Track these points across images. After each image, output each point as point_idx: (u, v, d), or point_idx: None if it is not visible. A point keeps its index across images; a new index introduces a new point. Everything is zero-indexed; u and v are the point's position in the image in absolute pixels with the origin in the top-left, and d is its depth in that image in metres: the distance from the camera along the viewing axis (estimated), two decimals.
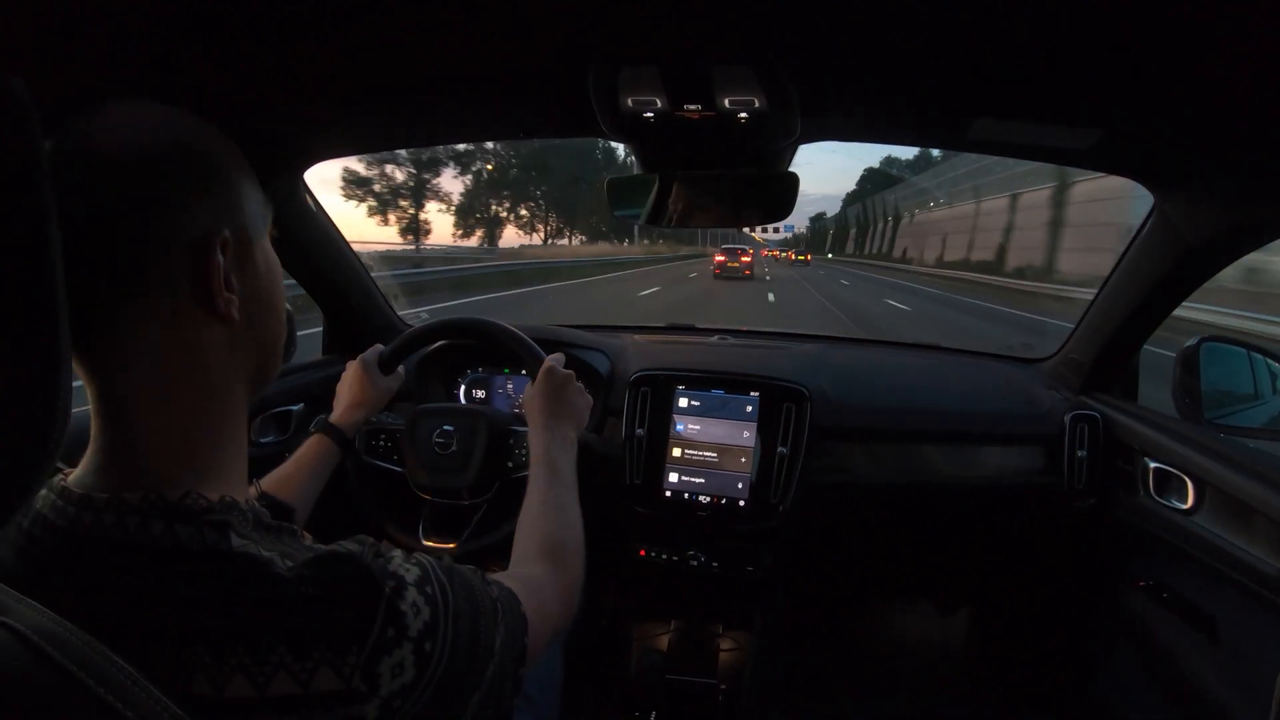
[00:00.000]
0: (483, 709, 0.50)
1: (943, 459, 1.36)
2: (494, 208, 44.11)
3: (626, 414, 1.33)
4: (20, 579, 0.40)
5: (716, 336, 1.70)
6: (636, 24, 0.68)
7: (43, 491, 0.45)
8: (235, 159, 0.49)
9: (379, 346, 1.15)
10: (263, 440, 1.27)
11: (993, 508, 1.39)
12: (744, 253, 22.92)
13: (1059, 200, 21.12)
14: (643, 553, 1.36)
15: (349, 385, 1.11)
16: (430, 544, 1.14)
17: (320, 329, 1.58)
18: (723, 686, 1.36)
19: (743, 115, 0.83)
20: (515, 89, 0.88)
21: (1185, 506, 1.08)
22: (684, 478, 1.30)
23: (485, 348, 1.43)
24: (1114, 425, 1.28)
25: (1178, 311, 1.21)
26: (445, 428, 1.14)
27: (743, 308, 12.92)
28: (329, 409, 1.10)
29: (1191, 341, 1.13)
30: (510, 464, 1.14)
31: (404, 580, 0.46)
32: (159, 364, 0.44)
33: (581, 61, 0.74)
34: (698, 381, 1.34)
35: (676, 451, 1.31)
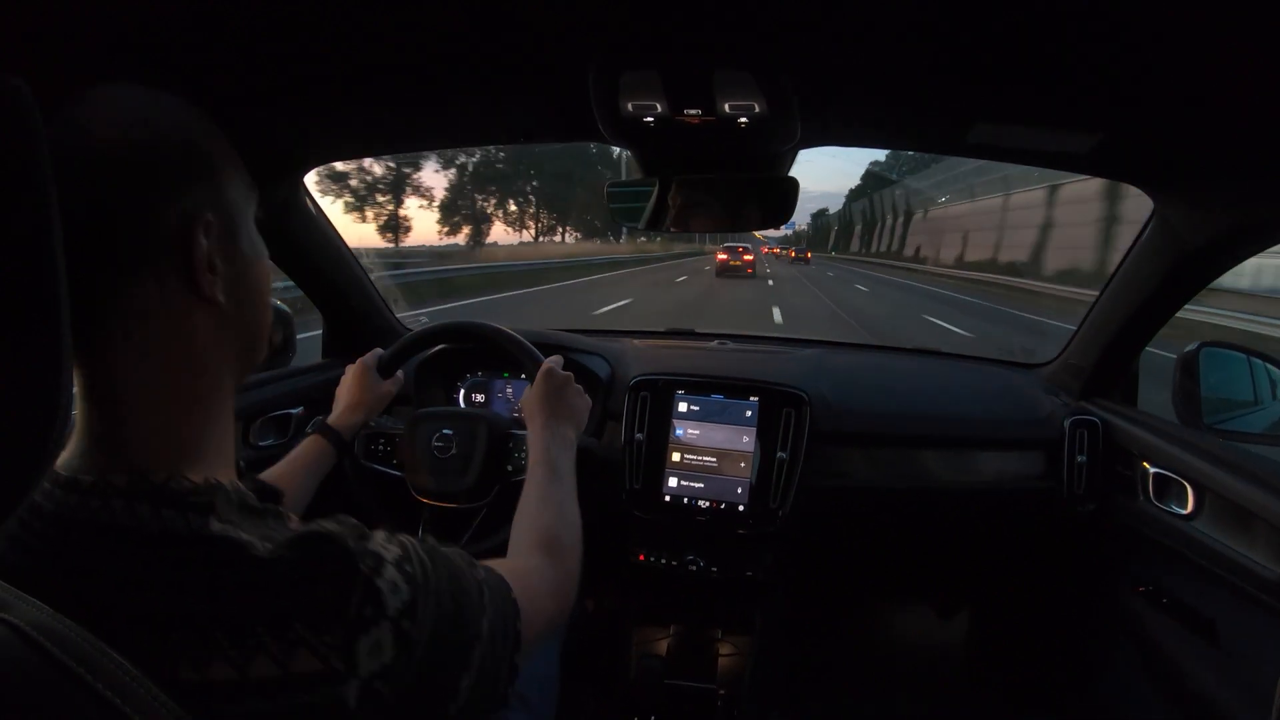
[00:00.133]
0: (476, 695, 0.50)
1: (943, 464, 1.36)
2: (479, 203, 40.84)
3: (626, 418, 1.33)
4: (11, 564, 0.40)
5: (716, 341, 1.70)
6: (637, 29, 0.68)
7: None
8: (218, 143, 0.49)
9: (378, 350, 1.15)
10: (262, 443, 1.27)
11: (993, 513, 1.39)
12: (746, 251, 22.86)
13: (1112, 194, 16.85)
14: (642, 557, 1.35)
15: (348, 388, 1.11)
16: (427, 538, 1.14)
17: (319, 333, 1.58)
18: (721, 691, 1.35)
19: (743, 120, 0.83)
20: (516, 93, 0.88)
21: (1185, 511, 1.08)
22: (683, 482, 1.30)
23: (484, 351, 1.43)
24: (1114, 430, 1.28)
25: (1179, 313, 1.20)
26: (444, 431, 1.14)
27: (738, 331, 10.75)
28: (328, 412, 1.10)
29: (1191, 347, 1.13)
30: (510, 467, 1.14)
31: (383, 559, 0.45)
32: (144, 346, 0.44)
33: (582, 66, 0.74)
34: (697, 386, 1.34)
35: (676, 456, 1.31)
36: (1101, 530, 1.32)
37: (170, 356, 0.45)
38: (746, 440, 1.29)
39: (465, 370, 1.50)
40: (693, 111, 0.82)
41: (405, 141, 1.22)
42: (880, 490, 1.35)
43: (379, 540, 0.47)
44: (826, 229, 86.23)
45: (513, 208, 43.94)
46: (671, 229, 1.11)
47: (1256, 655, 0.95)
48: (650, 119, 0.84)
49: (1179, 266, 1.09)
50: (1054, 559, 1.49)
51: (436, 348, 1.39)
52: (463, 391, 1.49)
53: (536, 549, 0.73)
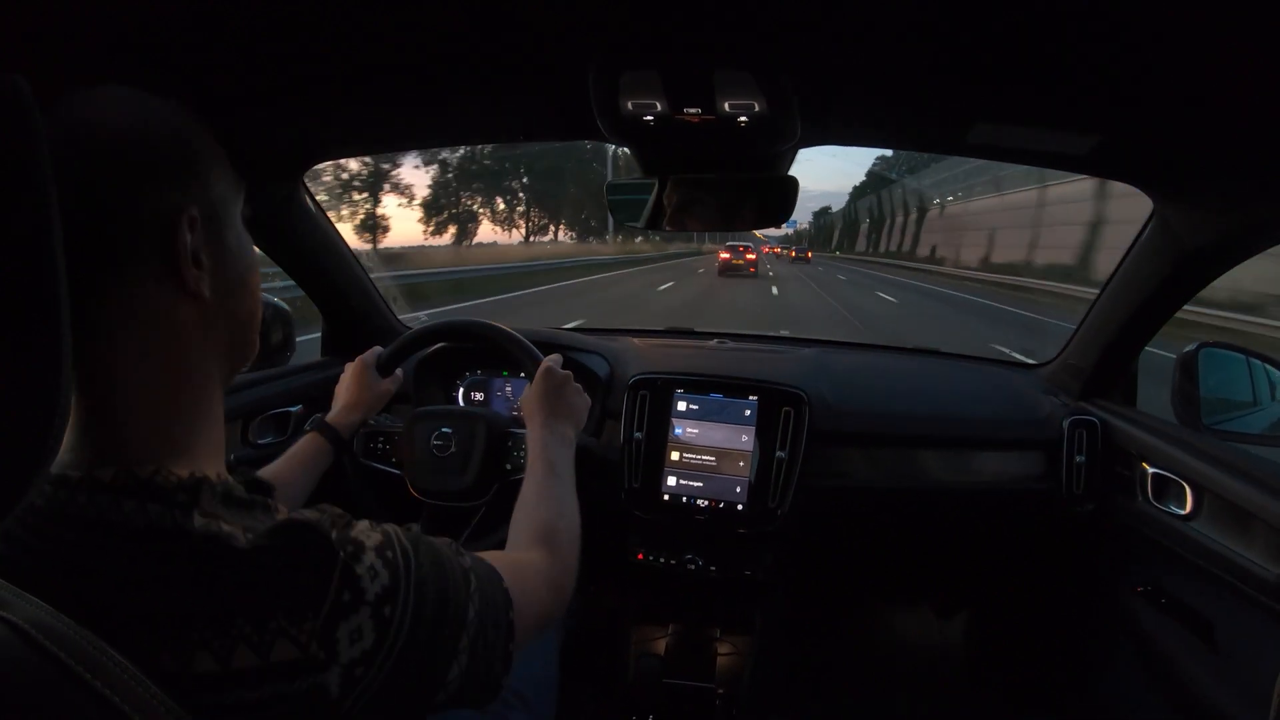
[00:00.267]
0: (467, 683, 0.50)
1: (941, 464, 1.36)
2: (464, 201, 37.48)
3: (625, 417, 1.33)
4: (6, 560, 0.40)
5: (715, 340, 1.70)
6: (637, 28, 0.68)
7: None
8: (204, 140, 0.49)
9: (377, 348, 1.15)
10: (261, 441, 1.27)
11: (991, 513, 1.39)
12: (748, 250, 22.81)
13: None
14: (641, 556, 1.35)
15: (347, 387, 1.11)
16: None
17: (319, 335, 1.58)
18: (720, 690, 1.35)
19: (743, 119, 0.83)
20: (516, 92, 0.88)
21: (1184, 512, 1.08)
22: (682, 481, 1.30)
23: (483, 350, 1.43)
24: (1113, 430, 1.28)
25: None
26: (443, 430, 1.14)
27: None
28: (327, 410, 1.10)
29: (1190, 347, 1.13)
30: (509, 466, 1.14)
31: (363, 545, 0.45)
32: (130, 341, 0.44)
33: (582, 65, 0.74)
34: (696, 385, 1.34)
35: (675, 455, 1.31)
36: (1100, 530, 1.32)
37: (157, 351, 0.45)
38: (746, 439, 1.29)
39: (464, 369, 1.50)
40: (692, 110, 0.82)
41: (405, 140, 1.22)
42: (879, 490, 1.35)
43: (361, 528, 0.47)
44: (830, 228, 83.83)
45: (500, 206, 41.47)
46: (671, 228, 1.11)
47: (1255, 655, 0.95)
48: (650, 118, 0.84)
49: (1178, 267, 1.09)
50: (1053, 559, 1.49)
51: (435, 346, 1.39)
52: (462, 390, 1.49)
53: (533, 542, 0.73)
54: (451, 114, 0.99)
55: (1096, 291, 1.32)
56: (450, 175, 35.91)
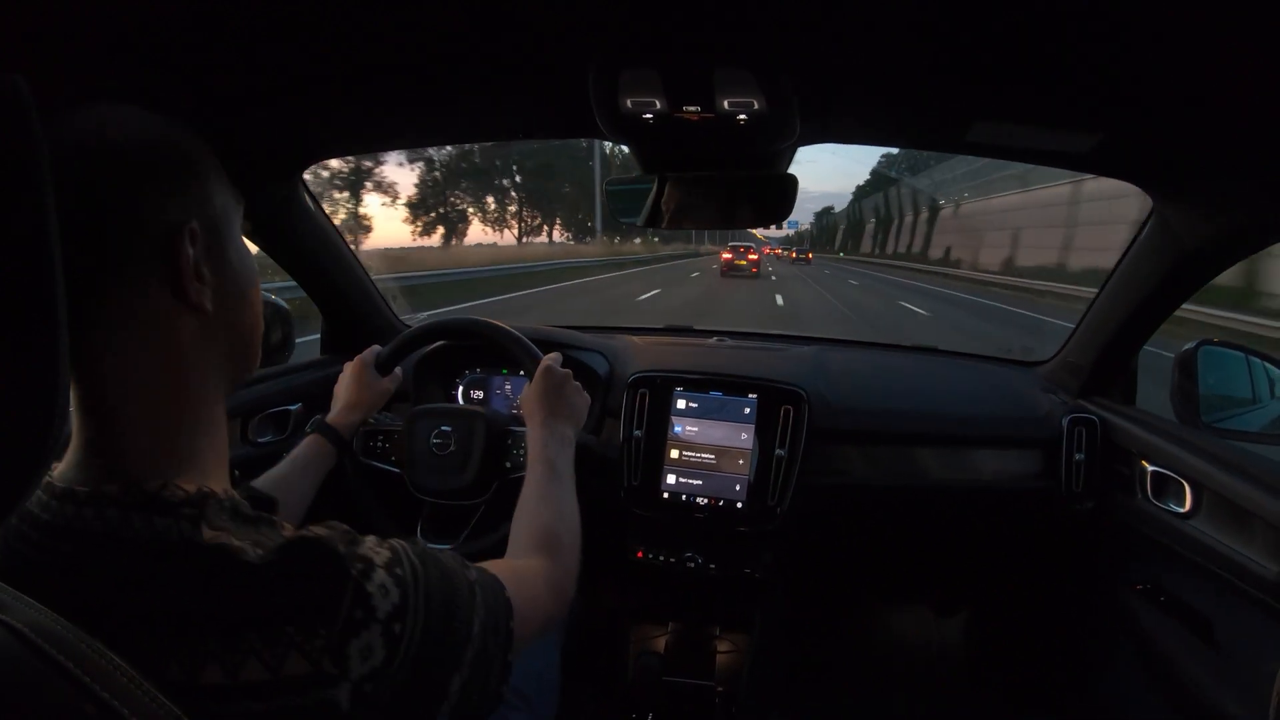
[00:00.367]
0: (467, 693, 0.50)
1: (940, 462, 1.36)
2: (451, 201, 35.54)
3: (624, 415, 1.33)
4: (8, 572, 0.40)
5: (715, 338, 1.70)
6: (637, 28, 0.68)
7: None
8: (203, 154, 0.49)
9: (376, 347, 1.15)
10: (260, 440, 1.27)
11: (991, 511, 1.40)
12: (750, 250, 22.86)
13: None
14: (640, 554, 1.35)
15: (346, 386, 1.11)
16: (428, 545, 1.14)
17: (318, 337, 1.58)
18: (720, 688, 1.36)
19: (742, 117, 0.83)
20: (515, 90, 0.88)
21: (1183, 510, 1.09)
22: (682, 479, 1.30)
23: (483, 348, 1.43)
24: (1112, 429, 1.28)
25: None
26: (443, 428, 1.14)
27: None
28: (327, 409, 1.10)
29: (1189, 345, 1.13)
30: (508, 464, 1.14)
31: (372, 563, 0.46)
32: (134, 355, 0.45)
33: (582, 63, 0.74)
34: (696, 383, 1.34)
35: (674, 453, 1.31)
36: (1099, 529, 1.32)
37: (160, 366, 0.46)
38: (745, 437, 1.29)
39: (464, 367, 1.50)
40: (692, 109, 0.82)
41: (405, 139, 1.22)
42: (878, 488, 1.36)
43: (369, 544, 0.48)
44: (833, 228, 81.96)
45: (491, 205, 39.59)
46: (670, 226, 1.11)
47: (1254, 653, 0.95)
48: (649, 116, 0.84)
49: (1178, 266, 1.09)
50: (1052, 557, 1.49)
51: (435, 345, 1.39)
52: (461, 388, 1.49)
53: (535, 547, 0.73)
54: (451, 112, 0.99)
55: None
56: (437, 173, 34.38)
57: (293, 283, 1.41)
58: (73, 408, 0.45)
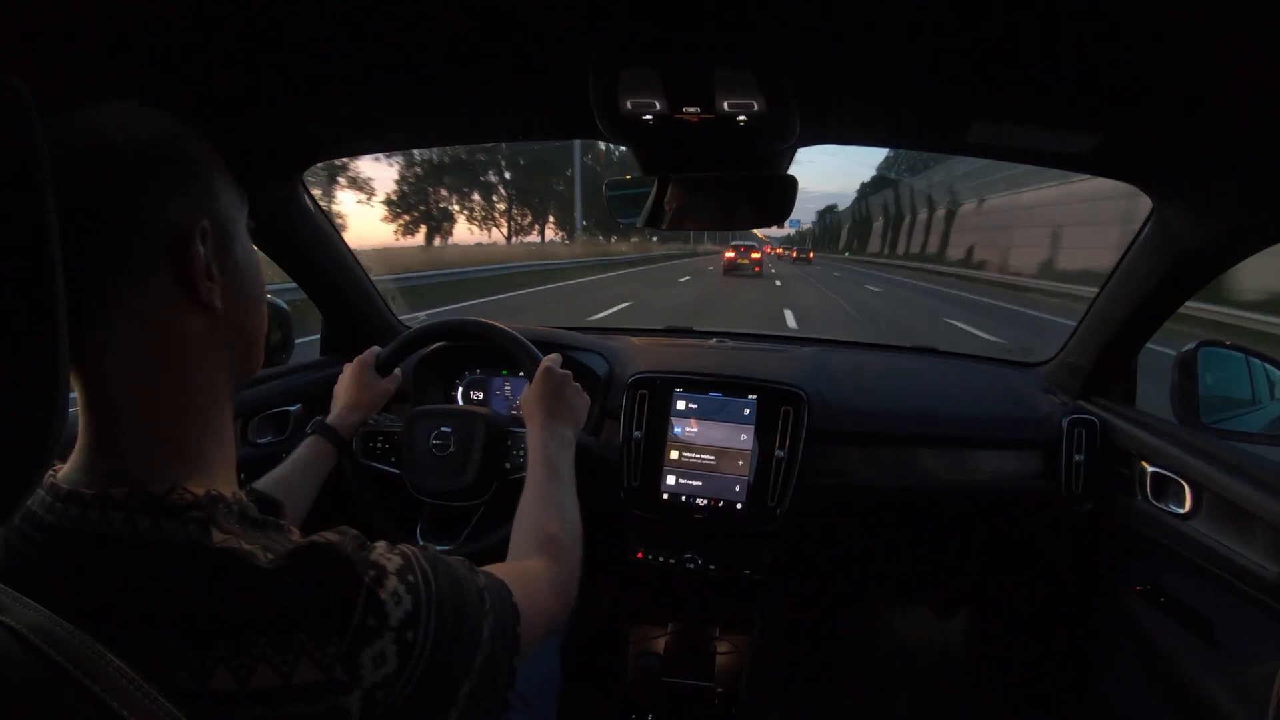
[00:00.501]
0: (475, 699, 0.50)
1: (940, 463, 1.36)
2: (432, 197, 32.46)
3: (624, 416, 1.33)
4: (10, 574, 0.40)
5: (715, 339, 1.70)
6: (637, 28, 0.68)
7: None
8: (208, 153, 0.49)
9: (376, 348, 1.15)
10: (260, 440, 1.27)
11: (990, 512, 1.39)
12: (753, 250, 22.97)
13: None
14: (640, 555, 1.35)
15: (346, 387, 1.11)
16: (428, 546, 1.14)
17: (317, 337, 1.58)
18: (719, 689, 1.36)
19: (742, 118, 0.83)
20: (515, 90, 0.88)
21: (1183, 511, 1.09)
22: (681, 480, 1.30)
23: (483, 349, 1.43)
24: (1112, 430, 1.28)
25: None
26: (443, 429, 1.14)
27: None
28: (326, 410, 1.10)
29: (1189, 346, 1.13)
30: (508, 465, 1.14)
31: (385, 569, 0.45)
32: (142, 356, 0.44)
33: (581, 63, 0.74)
34: (696, 384, 1.34)
35: (674, 454, 1.31)
36: (1099, 529, 1.32)
37: (168, 367, 0.45)
38: (745, 438, 1.29)
39: (463, 368, 1.50)
40: (691, 110, 0.82)
41: (405, 139, 1.22)
42: (878, 489, 1.36)
43: (380, 550, 0.47)
44: (836, 227, 79.12)
45: (478, 202, 36.12)
46: (669, 227, 1.11)
47: (1254, 654, 0.95)
48: (649, 117, 0.84)
49: (1178, 266, 1.10)
50: (1052, 558, 1.49)
51: (434, 345, 1.39)
52: (461, 389, 1.49)
53: (537, 550, 0.73)
54: (451, 113, 0.99)
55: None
56: (417, 168, 31.72)
57: (291, 284, 1.41)
58: (79, 409, 0.44)
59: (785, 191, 1.05)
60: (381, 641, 0.43)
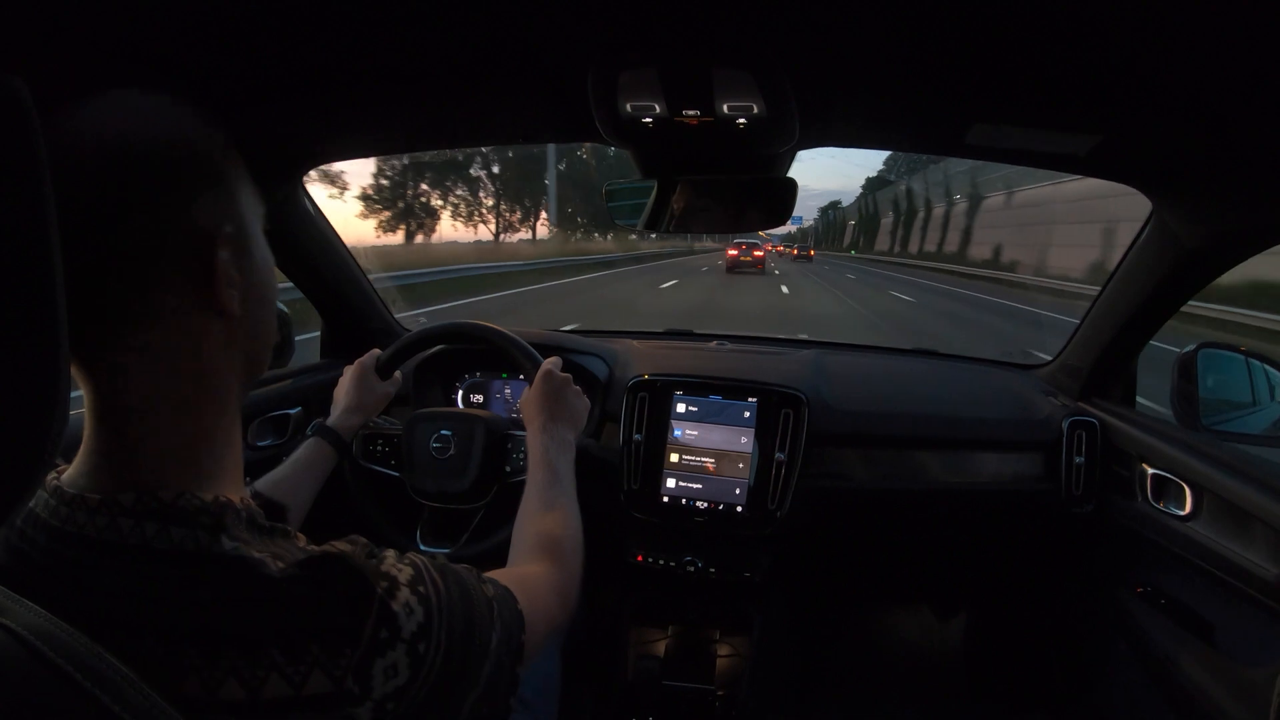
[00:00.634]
0: (479, 707, 0.50)
1: (940, 465, 1.36)
2: (409, 193, 29.93)
3: (624, 419, 1.32)
4: (13, 577, 0.39)
5: (715, 342, 1.70)
6: (636, 29, 0.68)
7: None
8: (229, 152, 0.48)
9: (376, 351, 1.15)
10: (260, 443, 1.27)
11: (990, 514, 1.39)
12: (756, 248, 23.00)
13: None
14: (640, 558, 1.35)
15: (346, 389, 1.11)
16: (428, 548, 1.14)
17: (317, 335, 1.58)
18: (720, 692, 1.35)
19: (741, 121, 0.83)
20: (515, 93, 0.88)
21: (1183, 513, 1.08)
22: (681, 483, 1.30)
23: (483, 352, 1.43)
24: (1112, 431, 1.28)
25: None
26: (443, 432, 1.14)
27: None
28: (326, 413, 1.10)
29: (1189, 348, 1.13)
30: (508, 468, 1.14)
31: (397, 580, 0.45)
32: (159, 361, 0.44)
33: (581, 66, 0.74)
34: (696, 387, 1.34)
35: (674, 457, 1.31)
36: (1100, 531, 1.32)
37: (181, 370, 0.45)
38: (745, 441, 1.29)
39: (464, 370, 1.49)
40: (691, 112, 0.82)
41: (405, 142, 1.22)
42: (878, 491, 1.35)
43: (391, 560, 0.47)
44: (840, 224, 75.95)
45: (461, 199, 32.93)
46: (669, 230, 1.11)
47: (1254, 656, 0.95)
48: (649, 120, 0.84)
49: (1177, 268, 1.10)
50: (1052, 560, 1.49)
51: (435, 348, 1.38)
52: (461, 392, 1.49)
53: (539, 554, 0.73)
54: (450, 115, 0.99)
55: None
56: (396, 161, 28.39)
57: (287, 283, 1.40)
58: (87, 412, 0.44)
59: (785, 194, 1.05)
60: (394, 653, 0.43)
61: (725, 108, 0.80)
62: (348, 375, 1.12)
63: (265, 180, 1.14)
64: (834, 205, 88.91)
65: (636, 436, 1.31)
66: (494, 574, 0.60)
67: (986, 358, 1.74)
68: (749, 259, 22.34)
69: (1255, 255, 1.02)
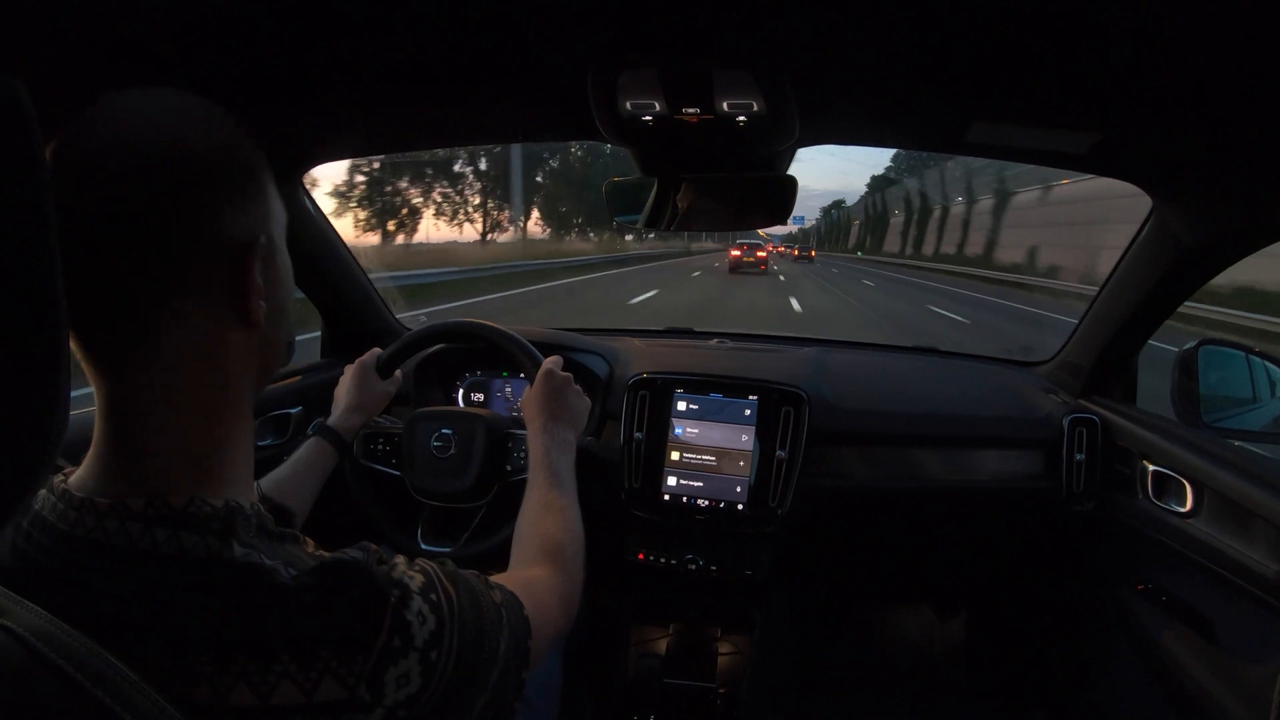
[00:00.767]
0: (486, 712, 0.50)
1: (941, 463, 1.36)
2: (387, 192, 26.64)
3: (625, 417, 1.33)
4: (17, 579, 0.39)
5: (715, 340, 1.70)
6: (636, 29, 0.68)
7: (42, 492, 0.44)
8: (264, 160, 0.48)
9: (377, 350, 1.15)
10: (261, 443, 1.27)
11: (991, 512, 1.39)
12: (759, 248, 23.00)
13: None
14: (641, 556, 1.35)
15: (347, 389, 1.11)
16: (428, 547, 1.14)
17: (317, 335, 1.58)
18: (721, 690, 1.36)
19: (741, 118, 0.83)
20: (515, 92, 0.88)
21: (1184, 510, 1.08)
22: (682, 481, 1.30)
23: (483, 351, 1.43)
24: (1112, 429, 1.28)
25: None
26: (443, 431, 1.14)
27: None
28: (327, 412, 1.10)
29: (1189, 345, 1.13)
30: (509, 467, 1.14)
31: (409, 588, 0.45)
32: (180, 367, 0.43)
33: (581, 64, 0.74)
34: (696, 385, 1.34)
35: (675, 455, 1.31)
36: (1100, 529, 1.32)
37: (202, 377, 0.44)
38: (745, 439, 1.29)
39: (464, 369, 1.49)
40: (691, 110, 0.82)
41: (405, 141, 1.22)
42: (879, 489, 1.35)
43: (402, 568, 0.47)
44: (844, 224, 73.65)
45: (442, 196, 29.92)
46: (669, 229, 1.11)
47: (1255, 653, 0.95)
48: (649, 118, 0.84)
49: (1177, 265, 1.10)
50: (1053, 558, 1.49)
51: (435, 347, 1.38)
52: (461, 391, 1.49)
53: (541, 558, 0.73)
54: (450, 114, 0.99)
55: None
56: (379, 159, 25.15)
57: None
58: (98, 414, 0.44)
59: (786, 192, 1.05)
60: (406, 662, 0.43)
61: (725, 106, 0.80)
62: (348, 374, 1.12)
63: None
64: (838, 205, 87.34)
65: (637, 435, 1.31)
66: (498, 578, 0.60)
67: (988, 355, 1.74)
68: (752, 259, 22.34)
69: (1254, 253, 1.03)
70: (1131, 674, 1.25)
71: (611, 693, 1.39)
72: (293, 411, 1.33)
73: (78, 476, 0.44)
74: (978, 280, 20.65)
